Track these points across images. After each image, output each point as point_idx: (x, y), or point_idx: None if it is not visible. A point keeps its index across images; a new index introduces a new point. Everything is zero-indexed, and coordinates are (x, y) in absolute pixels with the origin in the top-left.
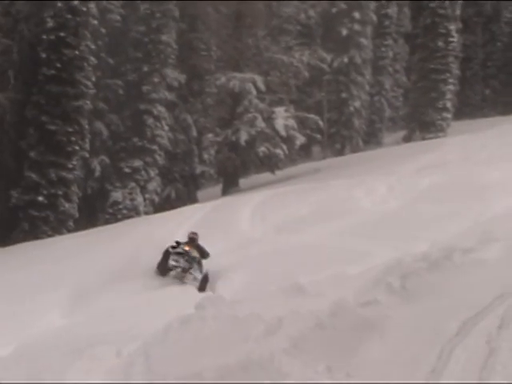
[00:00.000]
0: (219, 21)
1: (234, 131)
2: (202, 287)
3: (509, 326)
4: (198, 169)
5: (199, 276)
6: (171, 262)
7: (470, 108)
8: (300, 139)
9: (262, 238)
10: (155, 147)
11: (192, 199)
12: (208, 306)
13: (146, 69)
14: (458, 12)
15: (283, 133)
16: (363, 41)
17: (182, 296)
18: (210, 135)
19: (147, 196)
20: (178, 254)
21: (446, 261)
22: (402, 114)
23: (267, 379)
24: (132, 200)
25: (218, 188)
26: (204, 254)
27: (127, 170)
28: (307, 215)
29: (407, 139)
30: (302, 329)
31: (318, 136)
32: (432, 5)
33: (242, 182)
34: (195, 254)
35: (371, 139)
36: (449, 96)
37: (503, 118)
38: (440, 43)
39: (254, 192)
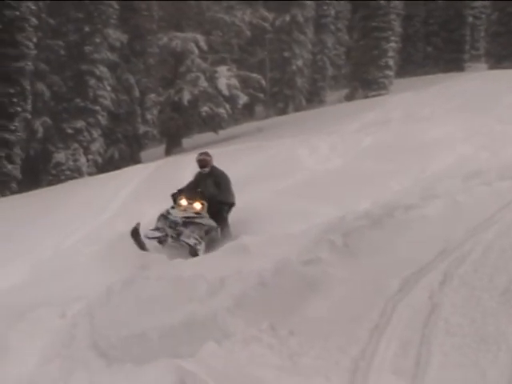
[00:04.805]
0: None
1: (177, 91)
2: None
3: (451, 281)
4: (141, 129)
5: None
6: (148, 233)
7: (412, 65)
8: (243, 98)
9: None
10: (98, 108)
11: (135, 160)
12: (151, 267)
13: (87, 29)
14: None
15: (226, 92)
16: None
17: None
18: (153, 95)
19: (90, 157)
20: (163, 217)
21: (387, 218)
22: (345, 73)
23: (211, 338)
24: (75, 161)
25: (162, 148)
26: (220, 190)
27: (70, 131)
28: (250, 175)
29: (350, 97)
30: (244, 288)
31: (261, 95)
32: None
33: (185, 141)
34: (195, 207)
35: (314, 98)
36: (391, 54)
37: (445, 75)
38: (382, 1)
39: (197, 152)
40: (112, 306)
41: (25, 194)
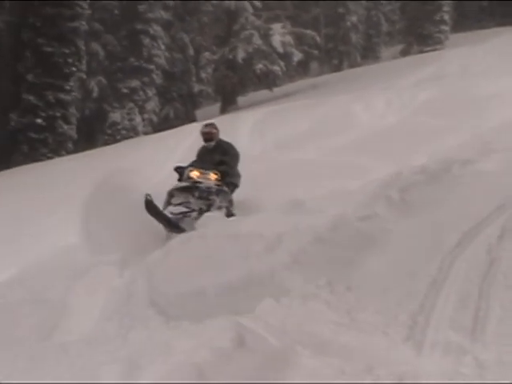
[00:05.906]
0: None
1: (231, 49)
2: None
3: (510, 235)
4: (196, 88)
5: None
6: (172, 209)
7: (467, 20)
8: (297, 55)
9: (261, 155)
10: (152, 67)
11: (190, 118)
12: (208, 225)
13: None
14: None
15: (280, 49)
16: None
17: None
18: (207, 53)
19: (145, 116)
20: (183, 190)
21: (444, 173)
22: (399, 28)
23: (269, 295)
24: (130, 120)
25: (217, 106)
26: (227, 161)
27: (125, 91)
28: (306, 132)
29: (405, 53)
30: (302, 244)
31: (316, 52)
32: None
33: (240, 99)
34: (211, 177)
35: (369, 54)
36: (446, 8)
37: (501, 29)
38: None
39: (253, 109)
40: (169, 264)
41: (81, 154)
